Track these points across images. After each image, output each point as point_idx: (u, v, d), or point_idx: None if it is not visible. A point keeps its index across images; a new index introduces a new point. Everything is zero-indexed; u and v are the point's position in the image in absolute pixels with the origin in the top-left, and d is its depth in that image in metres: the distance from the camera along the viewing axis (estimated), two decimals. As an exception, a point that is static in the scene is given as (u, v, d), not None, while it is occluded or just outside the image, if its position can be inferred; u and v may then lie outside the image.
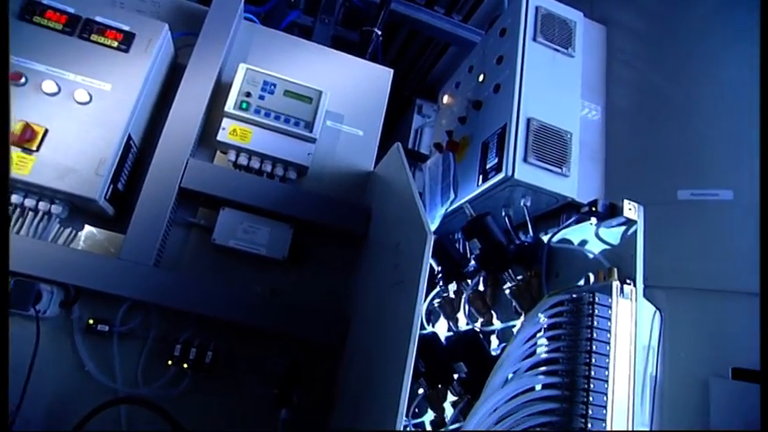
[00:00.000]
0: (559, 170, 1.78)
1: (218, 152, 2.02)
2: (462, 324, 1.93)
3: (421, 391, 1.93)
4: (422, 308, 1.17)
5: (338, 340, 1.78)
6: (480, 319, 1.82)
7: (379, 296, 1.56)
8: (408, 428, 2.07)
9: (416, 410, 2.12)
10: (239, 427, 1.84)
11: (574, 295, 1.37)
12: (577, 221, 1.54)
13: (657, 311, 1.58)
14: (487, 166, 1.88)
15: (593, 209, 1.43)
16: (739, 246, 1.55)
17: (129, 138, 1.75)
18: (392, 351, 1.25)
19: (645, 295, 1.49)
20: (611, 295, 1.33)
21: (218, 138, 1.89)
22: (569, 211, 1.80)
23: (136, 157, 1.87)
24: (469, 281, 1.89)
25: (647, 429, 1.48)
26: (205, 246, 1.92)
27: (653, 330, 1.57)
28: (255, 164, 1.94)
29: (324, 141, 2.08)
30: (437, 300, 2.04)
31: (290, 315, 1.79)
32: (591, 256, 1.51)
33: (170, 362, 1.77)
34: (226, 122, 1.91)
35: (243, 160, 1.93)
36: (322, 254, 2.00)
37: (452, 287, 2.04)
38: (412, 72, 4.31)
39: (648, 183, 1.77)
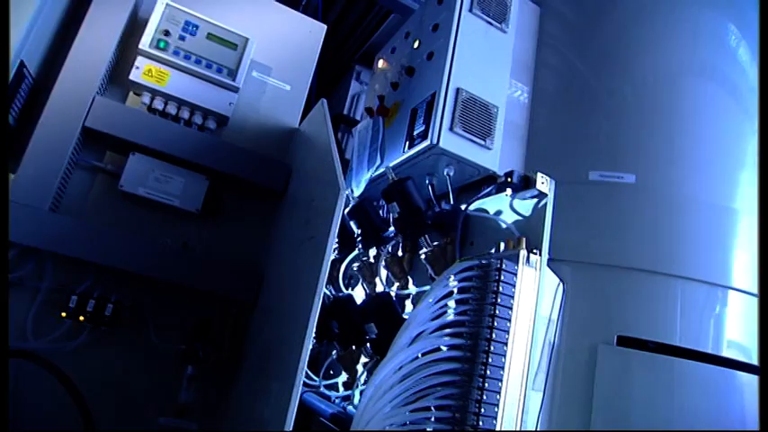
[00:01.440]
0: (483, 142, 1.81)
1: (131, 93, 1.86)
2: (379, 289, 1.95)
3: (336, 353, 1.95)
4: (329, 263, 1.15)
5: (250, 296, 1.74)
6: (396, 284, 1.85)
7: (291, 252, 1.53)
8: (320, 389, 2.09)
9: (331, 372, 2.14)
10: (142, 382, 1.76)
11: (483, 261, 1.41)
12: (494, 191, 1.59)
13: (561, 283, 1.66)
14: (414, 133, 1.88)
15: (509, 179, 1.48)
16: (636, 226, 1.66)
17: (22, 65, 1.56)
18: (299, 307, 1.24)
19: (551, 268, 1.57)
20: (517, 263, 1.39)
21: (131, 77, 1.75)
22: (489, 183, 1.84)
23: (31, 88, 1.68)
24: (390, 247, 1.91)
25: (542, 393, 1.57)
26: (112, 193, 1.78)
27: (555, 300, 1.65)
28: (172, 109, 1.82)
29: (248, 92, 1.98)
30: (356, 264, 2.04)
31: (201, 269, 1.72)
32: (504, 225, 1.56)
33: (64, 314, 1.65)
34: (140, 61, 1.76)
35: (158, 104, 1.80)
36: (239, 208, 1.93)
37: (373, 252, 2.05)
38: (352, 37, 4.21)
39: (564, 163, 1.84)
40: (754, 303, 1.58)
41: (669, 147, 1.73)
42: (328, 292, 2.11)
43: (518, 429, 1.33)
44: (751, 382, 1.50)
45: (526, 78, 2.06)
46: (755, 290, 1.59)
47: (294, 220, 1.65)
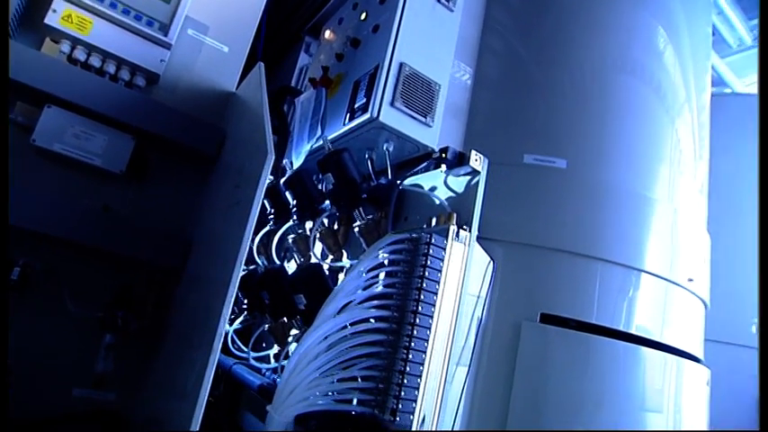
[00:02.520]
0: (423, 119, 1.80)
1: (47, 40, 1.71)
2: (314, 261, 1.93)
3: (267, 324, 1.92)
4: (252, 229, 1.12)
5: (176, 263, 1.67)
6: (330, 257, 1.84)
7: (220, 219, 1.48)
8: (249, 361, 2.05)
9: (264, 345, 2.11)
10: (56, 352, 1.66)
11: (413, 235, 1.42)
12: (429, 167, 1.60)
13: (492, 262, 1.70)
14: (355, 106, 1.85)
15: (444, 155, 1.49)
16: (564, 209, 1.72)
17: None
18: (221, 274, 1.20)
19: (483, 246, 1.61)
20: (446, 238, 1.41)
21: (46, 20, 1.60)
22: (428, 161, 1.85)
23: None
24: (325, 219, 1.89)
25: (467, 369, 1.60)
26: (23, 147, 1.64)
27: (485, 278, 1.69)
28: (96, 61, 1.68)
29: (181, 50, 1.87)
30: (291, 236, 2.01)
31: (123, 233, 1.63)
32: (437, 201, 1.58)
33: (-41, 276, 1.52)
34: (58, 4, 1.61)
35: (80, 55, 1.67)
36: (168, 172, 1.84)
37: (309, 225, 2.02)
38: (302, 7, 4.07)
39: (501, 145, 1.88)
40: (662, 285, 1.69)
41: (598, 136, 1.80)
42: (260, 263, 2.07)
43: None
44: (653, 357, 1.61)
45: (470, 60, 2.07)
46: (665, 273, 1.70)
47: (225, 185, 1.59)
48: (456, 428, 1.48)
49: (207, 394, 1.08)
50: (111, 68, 1.71)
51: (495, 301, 1.65)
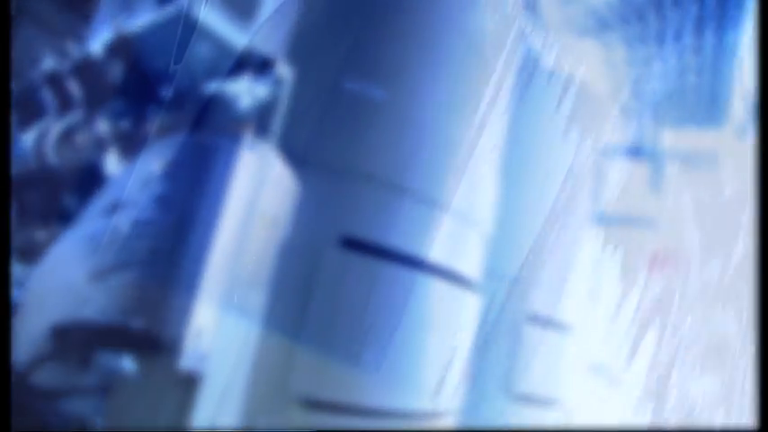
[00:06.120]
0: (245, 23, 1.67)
1: None
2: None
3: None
4: None
5: None
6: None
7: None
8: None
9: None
10: None
11: (204, 140, 1.33)
12: (236, 71, 1.50)
13: (299, 183, 1.66)
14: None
15: (251, 60, 1.40)
16: (375, 137, 1.74)
17: None
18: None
19: (292, 168, 1.56)
20: (239, 145, 1.34)
21: None
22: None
23: None
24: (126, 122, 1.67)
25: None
26: None
27: (288, 199, 1.65)
28: None
29: None
30: (79, 135, 1.75)
31: None
32: (242, 109, 1.48)
33: None
34: None
35: None
36: None
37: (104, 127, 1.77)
38: None
39: (325, 68, 1.81)
40: (457, 219, 1.83)
41: (418, 75, 1.84)
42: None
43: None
44: (441, 284, 1.76)
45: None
46: (461, 208, 1.84)
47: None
48: (246, 345, 1.45)
49: None
50: None
51: (299, 223, 1.62)
